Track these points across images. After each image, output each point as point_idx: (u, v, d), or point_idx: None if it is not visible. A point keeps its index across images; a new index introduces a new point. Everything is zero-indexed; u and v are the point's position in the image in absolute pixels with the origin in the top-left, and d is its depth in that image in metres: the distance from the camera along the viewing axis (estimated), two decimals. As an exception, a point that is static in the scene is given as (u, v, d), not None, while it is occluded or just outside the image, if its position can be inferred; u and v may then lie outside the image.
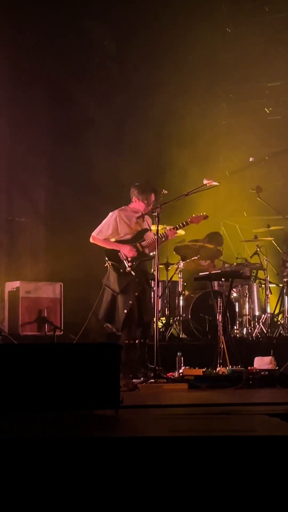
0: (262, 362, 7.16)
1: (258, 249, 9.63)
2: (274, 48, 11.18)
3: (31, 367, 4.60)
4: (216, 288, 8.82)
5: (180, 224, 7.60)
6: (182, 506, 3.41)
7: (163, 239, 7.53)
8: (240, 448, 3.56)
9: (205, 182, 7.36)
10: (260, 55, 11.14)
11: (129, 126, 10.79)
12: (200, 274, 8.63)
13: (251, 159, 10.55)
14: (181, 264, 9.43)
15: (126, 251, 7.44)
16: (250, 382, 6.86)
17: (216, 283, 8.82)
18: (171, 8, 10.29)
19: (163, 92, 10.46)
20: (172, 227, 7.58)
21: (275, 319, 9.61)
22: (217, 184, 7.39)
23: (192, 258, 9.45)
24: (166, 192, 7.71)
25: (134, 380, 6.75)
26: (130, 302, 7.31)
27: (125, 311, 7.24)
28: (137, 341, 7.30)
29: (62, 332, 9.17)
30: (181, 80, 10.46)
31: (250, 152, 11.26)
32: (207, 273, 8.53)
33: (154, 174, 9.78)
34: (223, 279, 8.32)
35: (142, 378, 6.88)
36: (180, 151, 10.34)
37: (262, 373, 6.97)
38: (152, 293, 7.91)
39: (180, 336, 9.15)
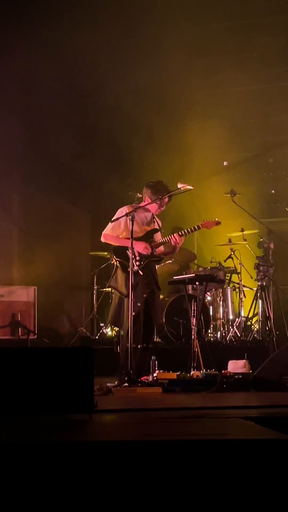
0: (236, 366, 7.16)
1: (232, 253, 9.67)
2: (248, 53, 11.24)
3: (3, 371, 4.57)
4: (190, 291, 8.84)
5: (192, 229, 7.36)
6: (156, 511, 3.40)
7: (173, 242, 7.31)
8: (214, 452, 3.56)
9: (179, 186, 7.31)
10: (234, 60, 11.19)
11: (104, 130, 10.77)
12: (175, 277, 8.64)
13: (225, 163, 10.59)
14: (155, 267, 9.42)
15: (141, 249, 7.10)
16: (224, 386, 6.85)
17: (190, 286, 8.82)
18: (144, 12, 10.29)
19: (137, 94, 10.47)
20: (182, 231, 7.30)
21: (249, 323, 9.64)
22: (192, 188, 7.34)
23: (167, 262, 9.45)
24: (140, 195, 7.70)
25: (108, 384, 6.72)
26: (139, 304, 7.01)
27: (133, 313, 6.78)
28: (139, 346, 7.01)
29: (35, 336, 9.13)
30: (155, 84, 10.46)
31: (224, 156, 11.30)
32: (182, 276, 8.53)
33: (129, 178, 9.76)
34: (197, 283, 8.32)
35: (116, 382, 6.85)
36: (154, 155, 10.34)
37: (236, 376, 6.96)
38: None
39: (154, 339, 9.14)
